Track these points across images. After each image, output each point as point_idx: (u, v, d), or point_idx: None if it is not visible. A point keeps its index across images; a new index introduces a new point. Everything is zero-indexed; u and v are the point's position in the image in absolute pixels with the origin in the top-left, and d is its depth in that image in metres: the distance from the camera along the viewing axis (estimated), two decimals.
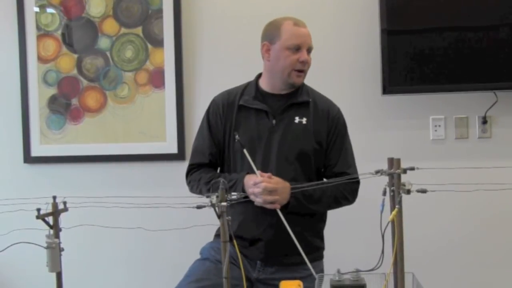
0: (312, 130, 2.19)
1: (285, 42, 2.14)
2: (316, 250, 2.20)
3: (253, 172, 2.10)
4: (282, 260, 2.15)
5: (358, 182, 2.20)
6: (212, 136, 2.25)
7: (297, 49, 2.14)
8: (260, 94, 2.24)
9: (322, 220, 2.29)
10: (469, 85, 2.82)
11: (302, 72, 2.17)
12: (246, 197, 2.03)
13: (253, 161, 2.10)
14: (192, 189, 2.25)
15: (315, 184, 2.08)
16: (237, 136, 2.12)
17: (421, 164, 1.38)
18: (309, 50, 2.18)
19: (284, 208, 2.08)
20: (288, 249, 2.09)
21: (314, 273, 2.05)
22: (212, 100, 2.31)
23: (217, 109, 2.25)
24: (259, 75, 2.29)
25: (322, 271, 2.15)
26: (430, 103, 2.97)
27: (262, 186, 2.02)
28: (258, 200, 2.05)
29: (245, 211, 2.14)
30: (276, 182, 2.06)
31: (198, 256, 2.27)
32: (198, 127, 2.34)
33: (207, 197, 1.41)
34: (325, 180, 2.24)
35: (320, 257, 2.25)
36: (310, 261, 2.08)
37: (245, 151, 2.09)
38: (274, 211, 2.06)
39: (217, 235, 2.29)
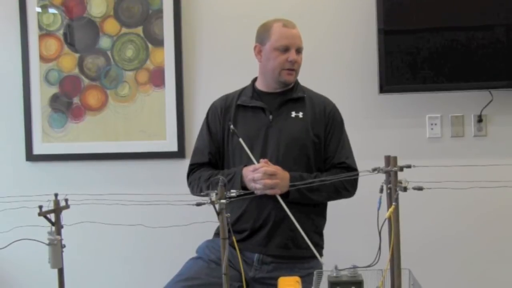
0: (309, 124, 2.22)
1: (274, 43, 2.19)
2: (314, 246, 2.13)
3: (251, 164, 2.12)
4: (281, 252, 2.15)
5: (357, 173, 2.20)
6: (211, 137, 2.29)
7: (285, 49, 2.19)
8: (257, 94, 2.29)
9: (323, 216, 2.29)
10: (465, 84, 2.84)
11: (292, 70, 2.21)
12: (246, 193, 2.04)
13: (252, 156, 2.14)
14: (193, 190, 2.26)
15: (314, 176, 2.11)
16: (231, 126, 2.18)
17: (418, 162, 1.40)
18: (298, 50, 2.22)
19: (284, 198, 2.09)
20: (288, 239, 2.12)
21: (320, 259, 2.06)
22: (211, 105, 2.35)
23: (215, 112, 2.30)
24: (255, 79, 2.34)
25: (320, 268, 2.14)
26: (427, 102, 2.98)
27: (262, 170, 2.05)
28: (258, 187, 2.07)
29: (243, 204, 2.16)
30: (276, 168, 2.09)
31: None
32: (197, 125, 2.37)
33: (206, 194, 1.41)
34: (325, 173, 2.25)
35: (318, 254, 2.21)
36: (309, 258, 2.09)
37: (241, 140, 2.14)
38: (274, 201, 2.09)
39: (217, 234, 2.30)
